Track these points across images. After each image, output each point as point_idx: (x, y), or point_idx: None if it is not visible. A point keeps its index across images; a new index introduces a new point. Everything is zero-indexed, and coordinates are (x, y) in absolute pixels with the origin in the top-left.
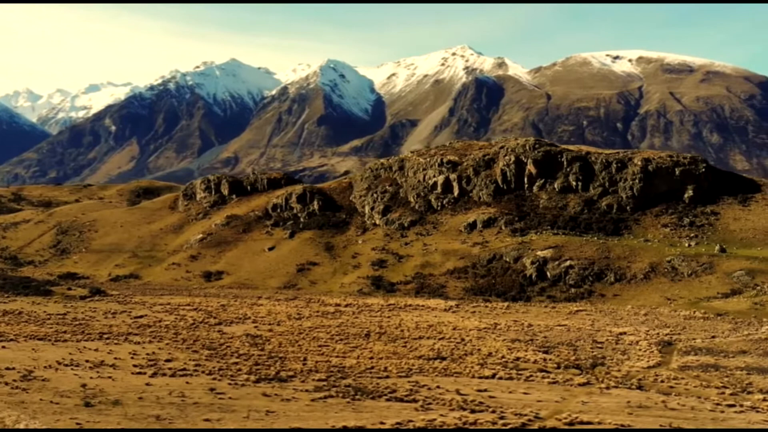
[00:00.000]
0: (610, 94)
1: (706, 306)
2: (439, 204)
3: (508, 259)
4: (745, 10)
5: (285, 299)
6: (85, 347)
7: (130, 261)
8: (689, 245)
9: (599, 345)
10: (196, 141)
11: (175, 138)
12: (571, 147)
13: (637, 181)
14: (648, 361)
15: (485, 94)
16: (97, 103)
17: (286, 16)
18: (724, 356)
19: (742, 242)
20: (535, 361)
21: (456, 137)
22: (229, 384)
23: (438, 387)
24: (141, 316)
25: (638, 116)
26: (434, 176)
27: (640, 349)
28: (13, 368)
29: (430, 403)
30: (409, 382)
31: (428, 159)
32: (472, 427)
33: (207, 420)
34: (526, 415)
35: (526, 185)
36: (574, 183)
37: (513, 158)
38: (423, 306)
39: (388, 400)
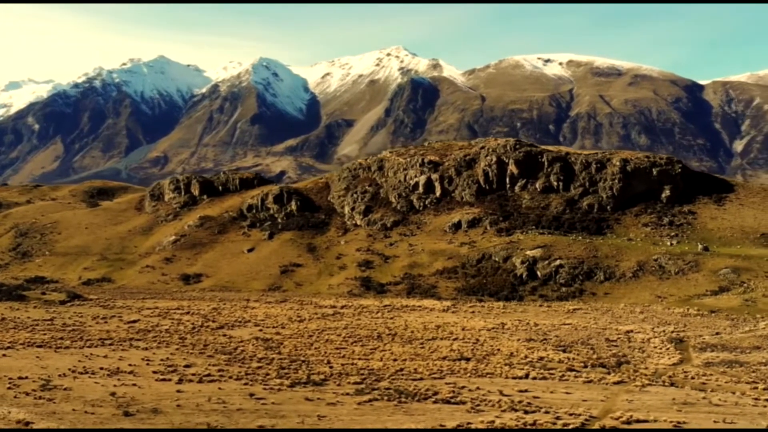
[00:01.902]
0: (543, 96)
1: (698, 303)
2: (422, 204)
3: (497, 259)
4: (669, 12)
5: (276, 301)
6: (91, 354)
7: (100, 264)
8: (671, 244)
9: (614, 343)
10: (123, 140)
11: (101, 137)
12: (550, 147)
13: (616, 181)
14: (670, 359)
15: (421, 95)
16: (18, 100)
17: (216, 12)
18: (740, 352)
19: (720, 241)
20: (560, 361)
21: (392, 138)
22: (264, 389)
23: (478, 388)
24: (134, 321)
25: (569, 118)
26: (416, 176)
27: (655, 347)
28: (26, 377)
29: (478, 405)
30: (446, 383)
31: (409, 159)
32: (533, 428)
33: (261, 426)
34: (581, 414)
35: (508, 185)
36: (555, 183)
37: (494, 158)
38: (420, 307)
39: (435, 402)
